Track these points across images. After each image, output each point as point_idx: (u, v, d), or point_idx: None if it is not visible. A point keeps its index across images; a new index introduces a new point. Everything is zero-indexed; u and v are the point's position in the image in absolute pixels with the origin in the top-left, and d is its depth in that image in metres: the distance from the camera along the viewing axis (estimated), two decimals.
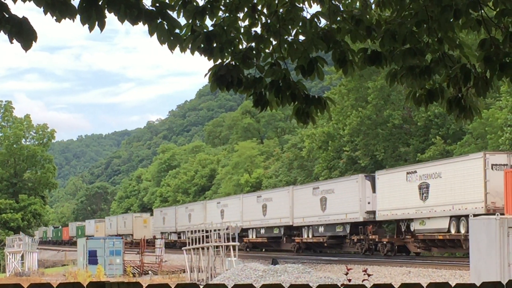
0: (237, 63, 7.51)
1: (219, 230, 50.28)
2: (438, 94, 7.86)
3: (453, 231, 41.54)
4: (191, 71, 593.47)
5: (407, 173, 45.87)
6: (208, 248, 48.79)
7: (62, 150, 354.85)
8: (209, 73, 7.50)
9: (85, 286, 6.07)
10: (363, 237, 51.67)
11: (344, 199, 52.15)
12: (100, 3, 6.73)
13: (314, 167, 78.25)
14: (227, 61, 7.49)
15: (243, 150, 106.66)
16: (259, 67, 7.66)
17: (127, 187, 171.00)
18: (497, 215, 27.34)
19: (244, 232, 64.57)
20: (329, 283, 29.77)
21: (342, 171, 70.37)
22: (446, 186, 41.86)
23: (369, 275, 12.28)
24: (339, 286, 6.76)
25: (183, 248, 54.18)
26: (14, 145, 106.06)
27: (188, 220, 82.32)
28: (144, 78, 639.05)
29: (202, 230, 51.17)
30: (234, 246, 48.72)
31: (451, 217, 41.46)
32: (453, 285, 6.68)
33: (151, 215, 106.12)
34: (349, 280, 13.78)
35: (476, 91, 7.70)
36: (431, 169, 43.95)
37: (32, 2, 6.70)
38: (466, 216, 36.99)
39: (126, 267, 58.05)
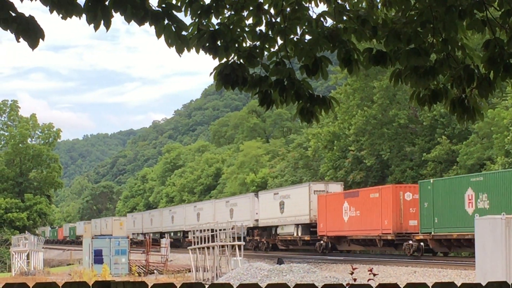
0: (242, 62, 7.51)
1: (224, 229, 50.37)
2: (442, 94, 7.86)
3: (295, 234, 59.87)
4: (196, 70, 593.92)
5: (274, 193, 64.70)
6: (213, 248, 48.84)
7: (68, 150, 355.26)
8: (214, 72, 7.51)
9: (90, 285, 6.08)
10: (252, 238, 68.59)
11: (242, 210, 69.41)
12: (106, 3, 6.74)
13: (319, 167, 78.25)
14: (232, 60, 7.49)
15: (249, 149, 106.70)
16: (264, 65, 7.66)
17: (132, 187, 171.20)
18: (503, 215, 27.30)
19: (186, 233, 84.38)
20: (335, 282, 29.77)
21: (348, 171, 70.35)
22: (292, 204, 60.12)
23: (374, 275, 12.27)
24: (345, 285, 6.76)
25: (188, 248, 54.31)
26: (20, 145, 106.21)
27: (150, 223, 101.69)
28: (149, 78, 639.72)
29: (207, 230, 51.27)
30: (239, 246, 48.76)
31: (295, 224, 59.46)
32: (458, 284, 6.68)
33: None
34: (355, 280, 13.78)
35: (480, 92, 7.70)
36: (285, 191, 63.07)
37: (38, 0, 6.71)
38: (301, 224, 58.75)
39: (131, 267, 58.08)
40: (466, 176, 43.81)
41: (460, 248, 44.94)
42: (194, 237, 53.06)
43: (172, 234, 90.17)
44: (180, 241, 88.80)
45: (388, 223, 47.37)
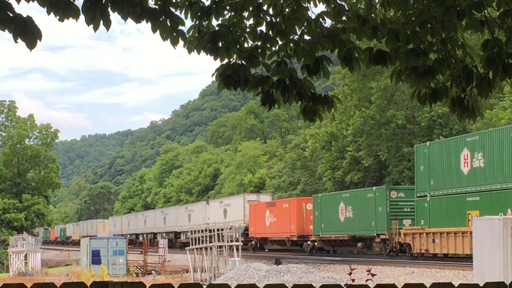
0: (244, 62, 7.51)
1: (222, 229, 50.38)
2: (443, 93, 7.85)
3: (235, 235, 65.82)
4: (194, 71, 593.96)
5: (220, 202, 77.87)
6: (211, 248, 48.84)
7: (66, 150, 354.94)
8: (216, 73, 7.50)
9: (88, 286, 6.07)
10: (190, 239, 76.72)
11: (198, 216, 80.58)
12: (103, 2, 6.73)
13: (317, 167, 78.23)
14: (234, 61, 7.49)
15: (246, 150, 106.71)
16: (265, 65, 7.65)
17: (130, 187, 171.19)
18: (501, 215, 27.31)
19: (156, 235, 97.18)
20: (332, 283, 29.77)
21: (345, 171, 70.34)
22: (232, 211, 71.63)
23: (373, 275, 12.26)
24: (343, 286, 6.75)
25: (186, 248, 54.37)
26: (18, 145, 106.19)
27: (128, 226, 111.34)
28: (147, 78, 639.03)
29: (205, 230, 51.28)
30: (237, 246, 48.77)
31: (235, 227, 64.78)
32: (456, 285, 6.67)
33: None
34: (353, 280, 13.78)
35: (479, 92, 7.69)
36: (228, 201, 75.92)
37: (35, 2, 6.70)
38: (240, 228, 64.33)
39: (129, 267, 58.07)
40: (339, 193, 58.01)
41: (340, 247, 57.63)
42: (191, 238, 53.03)
43: (145, 235, 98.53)
44: (151, 242, 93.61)
45: (294, 227, 59.39)
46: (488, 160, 38.53)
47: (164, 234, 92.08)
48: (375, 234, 49.26)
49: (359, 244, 51.91)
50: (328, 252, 58.85)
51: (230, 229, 50.73)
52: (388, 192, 48.46)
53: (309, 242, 58.13)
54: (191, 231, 54.55)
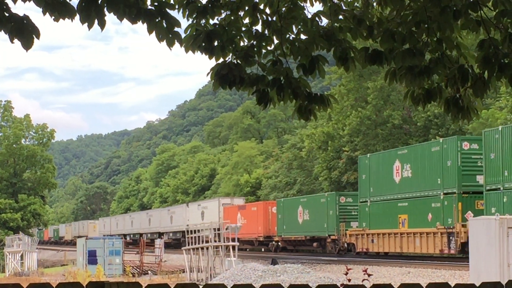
0: (239, 62, 7.50)
1: (218, 229, 50.36)
2: (436, 93, 7.85)
3: (210, 236, 68.58)
4: (190, 71, 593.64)
5: (198, 205, 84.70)
6: (207, 248, 48.82)
7: (62, 150, 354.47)
8: (211, 72, 7.49)
9: (84, 286, 6.06)
10: (185, 239, 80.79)
11: (179, 217, 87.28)
12: (99, 2, 6.72)
13: (313, 167, 78.21)
14: (229, 60, 7.48)
15: (243, 150, 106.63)
16: (261, 65, 7.65)
17: (126, 187, 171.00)
18: (497, 215, 27.32)
19: (141, 235, 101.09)
20: (329, 283, 29.79)
21: (342, 171, 70.32)
22: (209, 213, 76.98)
23: (369, 275, 12.24)
24: (339, 286, 6.75)
25: (182, 248, 54.37)
26: (14, 145, 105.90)
27: (116, 226, 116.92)
28: (143, 78, 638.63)
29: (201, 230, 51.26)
30: (233, 246, 48.74)
31: (211, 229, 66.31)
32: (452, 285, 6.68)
33: None
34: (349, 280, 13.77)
35: (474, 92, 7.69)
36: (205, 204, 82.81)
37: (31, 2, 6.69)
38: (214, 229, 65.59)
39: (125, 267, 58.02)
40: (298, 198, 65.47)
41: (300, 246, 63.35)
42: (188, 238, 53.04)
43: (132, 235, 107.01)
44: (137, 241, 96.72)
45: (261, 229, 66.11)
46: (414, 171, 43.70)
47: (149, 235, 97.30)
48: (327, 235, 55.67)
49: (315, 244, 58.15)
50: (290, 252, 64.51)
51: (226, 229, 50.66)
52: (337, 197, 55.26)
53: (273, 242, 64.73)
54: (187, 231, 54.49)
